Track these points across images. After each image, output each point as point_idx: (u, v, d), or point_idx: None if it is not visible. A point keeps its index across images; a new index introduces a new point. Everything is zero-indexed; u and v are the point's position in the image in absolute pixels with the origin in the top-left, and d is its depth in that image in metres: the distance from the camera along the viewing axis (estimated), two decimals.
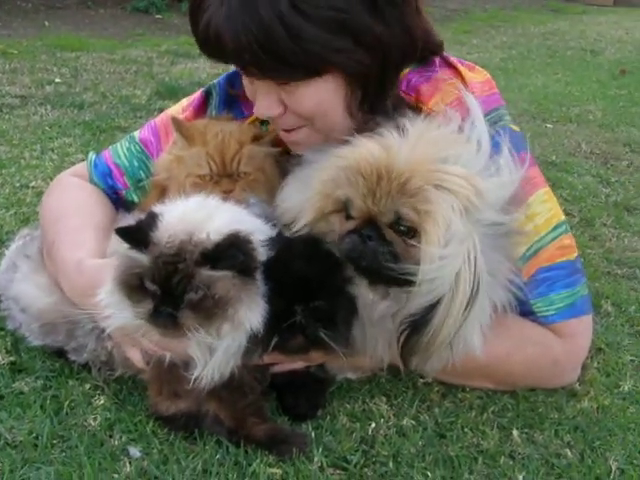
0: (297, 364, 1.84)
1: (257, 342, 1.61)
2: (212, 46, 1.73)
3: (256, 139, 1.95)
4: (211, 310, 1.52)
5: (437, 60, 2.02)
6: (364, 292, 1.67)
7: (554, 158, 4.34)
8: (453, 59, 2.05)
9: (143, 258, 1.53)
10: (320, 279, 1.62)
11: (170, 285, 1.50)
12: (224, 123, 2.00)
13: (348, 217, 1.63)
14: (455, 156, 1.60)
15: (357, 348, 1.72)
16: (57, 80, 5.56)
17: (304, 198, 1.69)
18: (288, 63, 1.68)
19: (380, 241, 1.58)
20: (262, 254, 1.59)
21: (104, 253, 1.86)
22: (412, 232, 1.57)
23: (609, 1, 15.41)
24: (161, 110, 4.68)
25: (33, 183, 3.38)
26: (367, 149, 1.61)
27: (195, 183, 1.91)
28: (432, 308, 1.56)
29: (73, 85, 5.47)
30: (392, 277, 1.59)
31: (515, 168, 1.66)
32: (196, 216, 1.59)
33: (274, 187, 1.93)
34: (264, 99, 1.81)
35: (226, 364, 1.62)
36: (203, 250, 1.51)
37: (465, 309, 1.55)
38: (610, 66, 8.13)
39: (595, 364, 2.19)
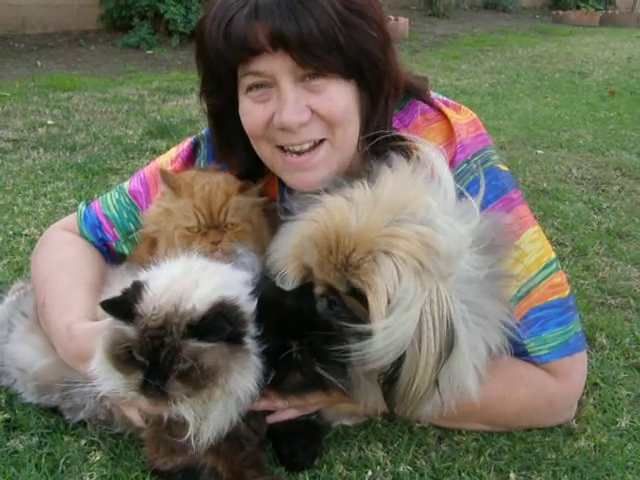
0: (292, 413, 1.83)
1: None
2: (257, 35, 1.74)
3: (243, 190, 1.97)
4: (200, 381, 1.51)
5: (419, 106, 2.04)
6: None
7: (545, 185, 4.36)
8: (438, 101, 2.07)
9: (130, 331, 1.53)
10: (311, 314, 1.63)
11: (157, 358, 1.50)
12: (211, 174, 2.01)
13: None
14: (414, 213, 1.60)
15: (353, 393, 1.72)
16: (49, 122, 5.60)
17: (287, 253, 1.71)
18: (339, 49, 1.76)
19: (342, 307, 1.62)
20: (250, 311, 1.59)
21: (95, 312, 1.86)
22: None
23: (595, 22, 15.58)
24: (153, 150, 4.73)
25: (26, 231, 3.39)
26: (328, 214, 1.62)
27: (183, 235, 1.92)
28: (398, 365, 1.57)
29: (65, 126, 5.49)
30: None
31: (484, 215, 1.68)
32: (181, 284, 1.58)
33: (262, 237, 1.95)
34: (294, 105, 1.81)
35: (221, 426, 1.62)
36: (189, 322, 1.51)
37: (438, 363, 1.55)
38: (599, 88, 8.18)
39: (591, 400, 2.18)
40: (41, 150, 4.81)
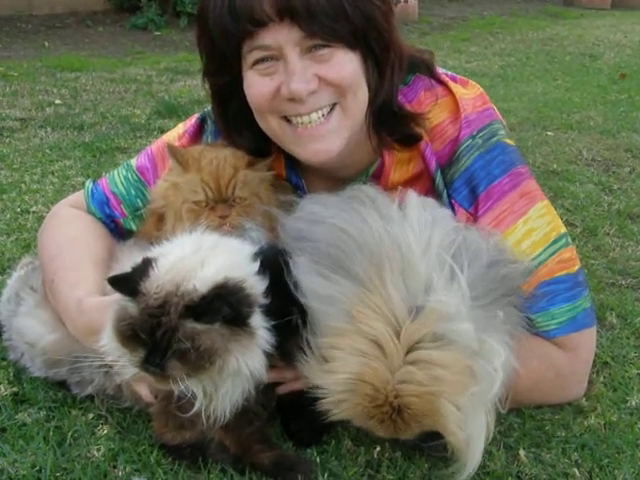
0: (302, 383, 1.81)
1: None
2: (263, 5, 1.73)
3: (251, 164, 1.95)
4: (197, 362, 1.49)
5: (424, 81, 2.04)
6: None
7: (555, 167, 4.32)
8: (445, 76, 2.06)
9: (132, 308, 1.53)
10: None
11: (155, 337, 1.48)
12: (219, 149, 1.99)
13: None
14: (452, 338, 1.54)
15: None
16: (57, 101, 5.59)
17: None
18: (345, 17, 1.76)
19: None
20: (259, 291, 1.57)
21: (104, 287, 1.86)
22: None
23: (606, 4, 15.41)
24: (160, 129, 4.73)
25: (34, 208, 3.39)
26: (366, 384, 1.50)
27: (191, 209, 1.91)
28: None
29: (73, 106, 5.49)
30: None
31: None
32: (188, 263, 1.56)
33: (270, 211, 1.93)
34: (302, 75, 1.80)
35: (232, 403, 1.61)
36: (188, 302, 1.49)
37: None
38: (610, 70, 8.10)
39: (601, 378, 2.17)
40: (49, 129, 4.81)
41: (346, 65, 1.84)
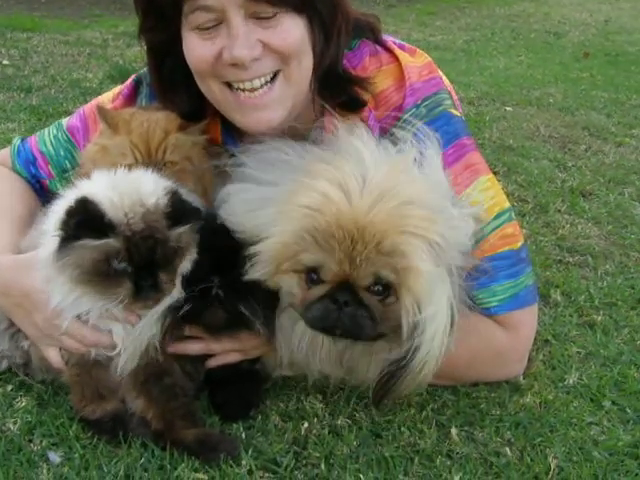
0: (233, 356, 1.77)
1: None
2: None
3: (183, 127, 1.86)
4: (176, 261, 1.60)
5: (369, 47, 1.96)
6: None
7: (511, 142, 4.28)
8: (391, 43, 1.99)
9: (110, 243, 1.51)
10: (240, 253, 1.60)
11: (152, 256, 1.55)
12: (151, 112, 1.90)
13: (314, 281, 1.54)
14: (418, 198, 1.53)
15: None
16: (5, 62, 5.41)
17: (259, 226, 1.58)
18: None
19: (357, 305, 1.52)
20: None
21: (19, 246, 1.80)
22: (387, 291, 1.52)
23: None
24: None
25: None
26: (332, 204, 1.49)
27: None
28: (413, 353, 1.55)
29: (22, 67, 5.31)
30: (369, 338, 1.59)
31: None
32: (124, 188, 1.60)
33: (203, 176, 1.86)
34: (245, 40, 1.71)
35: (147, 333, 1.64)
36: (165, 214, 1.57)
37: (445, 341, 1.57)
38: (573, 49, 8.10)
39: (541, 356, 2.14)
40: None
41: (292, 32, 1.76)
